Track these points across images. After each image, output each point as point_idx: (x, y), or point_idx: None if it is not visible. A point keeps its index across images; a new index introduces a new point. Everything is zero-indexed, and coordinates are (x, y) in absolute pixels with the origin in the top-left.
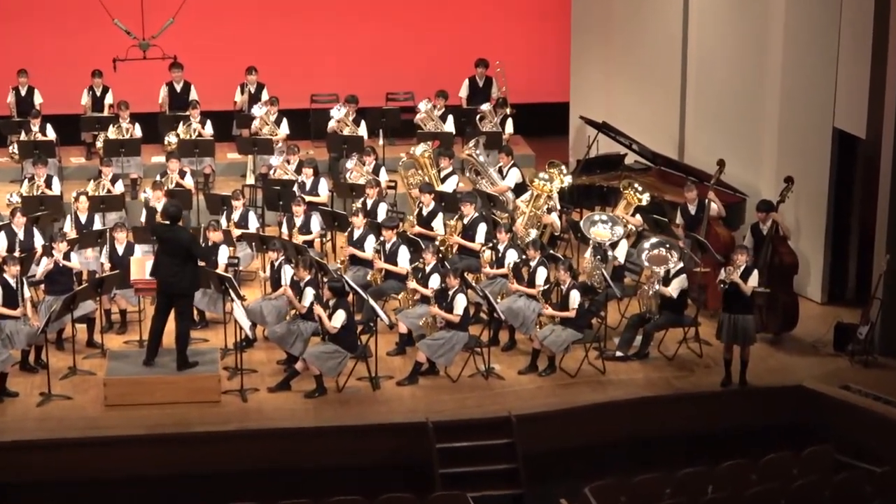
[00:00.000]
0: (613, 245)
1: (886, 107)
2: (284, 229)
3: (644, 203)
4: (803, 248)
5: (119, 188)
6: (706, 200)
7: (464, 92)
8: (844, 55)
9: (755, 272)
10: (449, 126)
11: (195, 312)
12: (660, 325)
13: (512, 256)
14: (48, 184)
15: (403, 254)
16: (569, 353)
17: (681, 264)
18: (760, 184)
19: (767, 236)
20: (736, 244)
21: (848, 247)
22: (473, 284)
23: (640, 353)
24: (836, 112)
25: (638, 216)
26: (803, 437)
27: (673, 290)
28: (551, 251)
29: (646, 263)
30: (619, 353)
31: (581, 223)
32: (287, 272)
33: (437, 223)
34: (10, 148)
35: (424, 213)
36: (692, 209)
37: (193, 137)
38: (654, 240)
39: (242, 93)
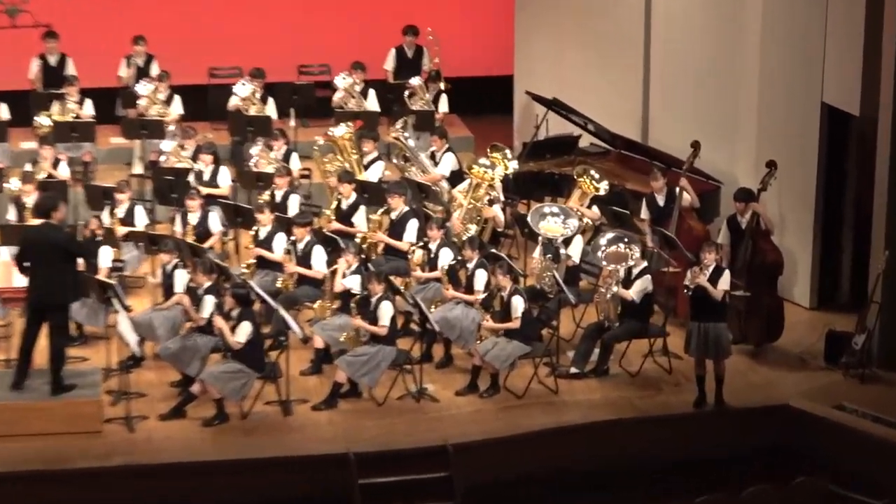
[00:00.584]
0: (566, 242)
1: (883, 79)
2: (178, 227)
3: (602, 192)
4: (788, 243)
5: None
6: (677, 189)
7: (390, 64)
8: (834, 21)
9: (727, 273)
10: (372, 104)
11: (72, 326)
12: (621, 335)
13: (447, 257)
14: None
15: (319, 255)
16: (515, 370)
17: (644, 263)
18: (738, 170)
19: (747, 230)
20: (711, 240)
21: (841, 242)
22: (402, 290)
23: (599, 369)
24: (825, 86)
25: (595, 208)
26: (791, 466)
27: (635, 293)
28: (493, 250)
29: (602, 262)
30: (573, 370)
31: (528, 217)
32: (181, 277)
33: (359, 218)
34: None
35: (344, 206)
36: (660, 200)
37: (70, 119)
38: (610, 234)
39: (128, 66)
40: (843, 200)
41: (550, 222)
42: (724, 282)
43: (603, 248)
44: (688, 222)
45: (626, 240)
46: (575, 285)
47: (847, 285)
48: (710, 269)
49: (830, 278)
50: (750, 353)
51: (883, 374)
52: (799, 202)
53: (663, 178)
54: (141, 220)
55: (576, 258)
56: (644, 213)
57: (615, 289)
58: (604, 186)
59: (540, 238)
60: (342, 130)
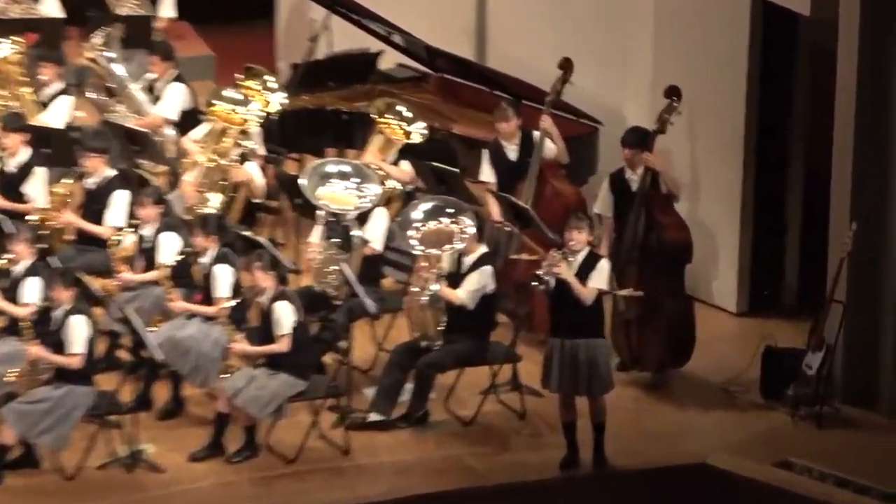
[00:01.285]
0: (362, 219)
1: None
2: None
3: (416, 140)
4: (705, 215)
5: None
6: (535, 134)
7: None
8: None
9: (603, 262)
10: (51, 6)
11: None
12: (446, 361)
13: (171, 246)
14: None
15: None
16: (283, 420)
17: (482, 248)
18: (625, 102)
19: (638, 195)
20: (583, 211)
21: (783, 213)
22: (104, 298)
23: (413, 415)
24: None
25: (406, 164)
26: None
27: (466, 294)
28: (247, 233)
29: (417, 246)
30: (374, 416)
31: (302, 180)
32: None
33: (34, 186)
34: None
35: (10, 167)
36: (509, 151)
37: None
38: (429, 204)
39: None
40: (787, 149)
41: (337, 188)
42: (600, 275)
43: (418, 225)
44: (552, 184)
45: (452, 211)
46: (376, 285)
47: (792, 278)
48: (581, 254)
49: (768, 269)
50: (646, 385)
51: (850, 413)
52: (719, 151)
53: (515, 118)
54: None
55: (376, 243)
56: (484, 172)
57: (435, 287)
58: (419, 131)
59: (320, 213)
60: (4, 49)
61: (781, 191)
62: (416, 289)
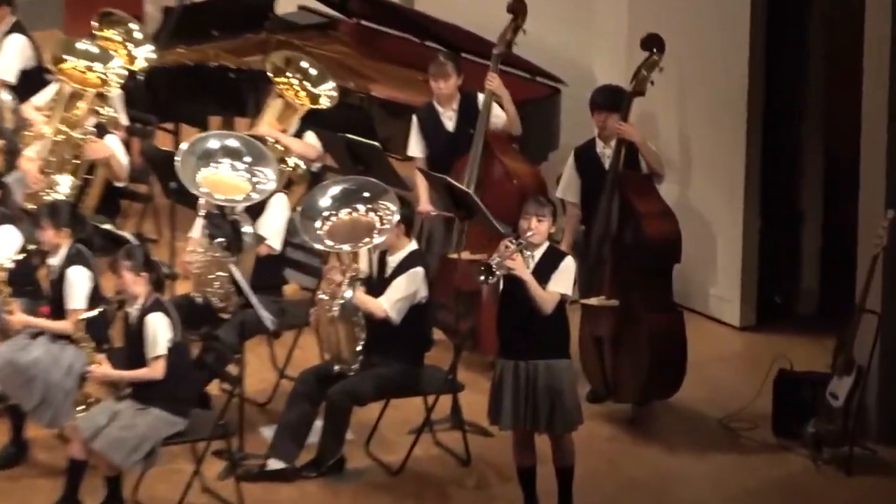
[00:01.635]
0: (257, 209)
1: None
2: None
3: (324, 106)
4: (697, 201)
5: None
6: (479, 98)
7: None
8: None
9: (568, 261)
10: None
11: None
12: (365, 391)
13: (8, 243)
14: None
15: None
16: (157, 468)
17: (411, 245)
18: (595, 56)
19: (611, 173)
20: (543, 195)
21: (798, 198)
22: None
23: (324, 461)
24: None
25: (312, 137)
26: None
27: (390, 303)
28: (107, 226)
29: (326, 242)
30: (274, 464)
31: (178, 159)
32: None
33: None
34: None
35: None
36: (445, 118)
37: None
38: (338, 188)
39: None
40: (802, 119)
41: (223, 170)
42: (564, 277)
43: (326, 214)
44: (501, 162)
45: (369, 196)
46: (275, 293)
47: (811, 281)
48: (540, 250)
49: (779, 270)
50: (624, 421)
51: (888, 455)
52: (716, 120)
53: (454, 75)
54: None
55: (274, 241)
56: (412, 146)
57: (349, 295)
58: (327, 93)
59: (202, 202)
60: None
61: (796, 171)
62: (326, 297)
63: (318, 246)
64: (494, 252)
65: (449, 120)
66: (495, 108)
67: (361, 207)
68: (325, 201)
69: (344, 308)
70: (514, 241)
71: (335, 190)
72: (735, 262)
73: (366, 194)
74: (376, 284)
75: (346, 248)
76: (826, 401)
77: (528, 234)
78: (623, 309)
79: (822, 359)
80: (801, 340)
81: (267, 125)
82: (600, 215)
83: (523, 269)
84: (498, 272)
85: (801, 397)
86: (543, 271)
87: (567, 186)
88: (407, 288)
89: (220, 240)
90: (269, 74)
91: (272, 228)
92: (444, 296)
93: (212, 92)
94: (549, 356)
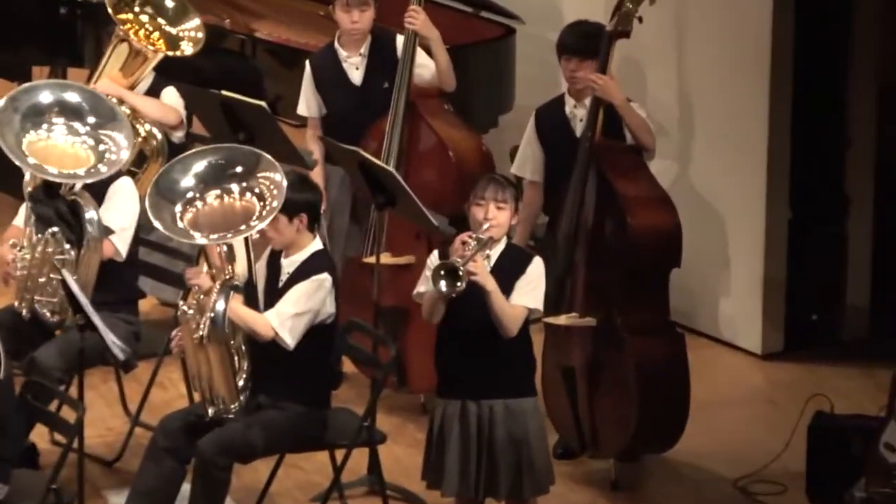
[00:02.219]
0: (99, 191)
1: None
2: None
3: (186, 51)
4: (703, 185)
5: None
6: (398, 40)
7: None
8: None
9: (536, 265)
10: None
11: None
12: (251, 443)
13: None
14: None
15: None
16: None
17: (315, 242)
18: None
19: (584, 140)
20: (494, 173)
21: (841, 188)
22: None
23: None
24: None
25: (172, 95)
26: None
27: (281, 320)
28: None
29: (185, 232)
30: None
31: None
32: None
33: None
34: None
35: None
36: (351, 68)
37: None
38: (202, 163)
39: None
40: (846, 83)
41: (57, 135)
42: (533, 286)
43: (190, 197)
44: (431, 127)
45: (243, 169)
46: (126, 310)
47: (858, 296)
48: (499, 247)
49: (816, 281)
50: (607, 483)
51: None
52: (726, 75)
53: (369, 7)
54: None
55: (120, 243)
56: (305, 103)
57: (221, 308)
58: (191, 34)
59: (28, 181)
60: None
61: (839, 141)
62: (191, 312)
63: (176, 237)
64: (432, 255)
65: (355, 69)
66: (421, 56)
67: (235, 188)
68: (186, 180)
69: (215, 326)
70: (465, 238)
71: (199, 166)
72: (756, 267)
73: (238, 169)
74: (266, 296)
75: (219, 242)
76: (880, 454)
77: (485, 226)
78: (602, 330)
79: (873, 398)
80: (845, 373)
81: (107, 79)
82: (570, 201)
83: (487, 275)
84: (456, 268)
85: (846, 450)
86: (504, 278)
87: (525, 160)
88: (308, 300)
89: (53, 230)
90: (110, 11)
91: (117, 225)
92: (356, 314)
93: (34, 34)
94: (510, 394)
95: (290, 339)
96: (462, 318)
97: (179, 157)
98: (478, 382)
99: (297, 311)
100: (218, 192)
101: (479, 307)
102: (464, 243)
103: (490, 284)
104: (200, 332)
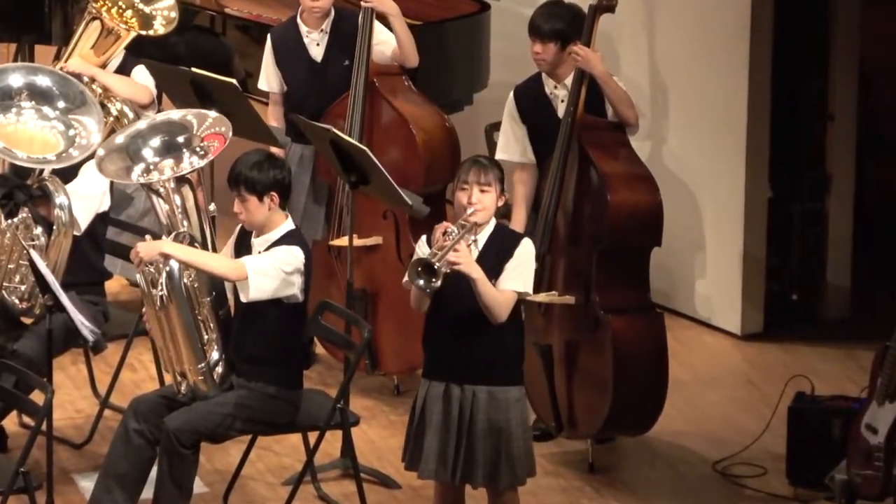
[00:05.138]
0: (68, 175)
1: None
2: None
3: (159, 30)
4: (684, 162)
5: None
6: (359, 15)
7: None
8: None
9: (526, 246)
10: None
11: None
12: (221, 424)
13: None
14: None
15: None
16: None
17: (286, 222)
18: None
19: (567, 118)
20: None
21: (823, 162)
22: None
23: None
24: None
25: (143, 74)
26: None
27: (254, 266)
28: None
29: (130, 174)
30: None
31: None
32: None
33: None
34: None
35: None
36: (312, 44)
37: None
38: (158, 139)
39: None
40: (827, 49)
41: (27, 119)
42: (522, 269)
43: (146, 173)
44: (392, 106)
45: (198, 149)
46: (94, 291)
47: (839, 273)
48: (486, 231)
49: (795, 258)
50: (581, 466)
51: None
52: (709, 47)
53: None
54: None
55: (81, 217)
56: (266, 77)
57: (163, 293)
58: (164, 12)
59: None
60: None
61: (820, 114)
62: (150, 272)
63: (121, 182)
64: (419, 242)
65: (316, 45)
66: (383, 33)
67: (196, 161)
68: (146, 152)
69: (172, 281)
70: (459, 223)
71: (156, 140)
72: (735, 245)
73: (198, 148)
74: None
75: (168, 171)
76: (861, 436)
77: (469, 211)
78: (580, 309)
79: (854, 379)
80: (825, 354)
81: (79, 58)
82: (551, 178)
83: (472, 263)
84: (444, 270)
85: (827, 431)
86: (493, 261)
87: (508, 142)
88: (284, 260)
89: (22, 216)
90: None
91: (81, 194)
92: (326, 295)
93: None
94: (495, 381)
95: (254, 293)
96: (451, 301)
97: (133, 130)
98: (463, 366)
99: (272, 264)
100: (173, 162)
101: (469, 290)
102: (445, 233)
103: (475, 272)
104: (160, 294)
